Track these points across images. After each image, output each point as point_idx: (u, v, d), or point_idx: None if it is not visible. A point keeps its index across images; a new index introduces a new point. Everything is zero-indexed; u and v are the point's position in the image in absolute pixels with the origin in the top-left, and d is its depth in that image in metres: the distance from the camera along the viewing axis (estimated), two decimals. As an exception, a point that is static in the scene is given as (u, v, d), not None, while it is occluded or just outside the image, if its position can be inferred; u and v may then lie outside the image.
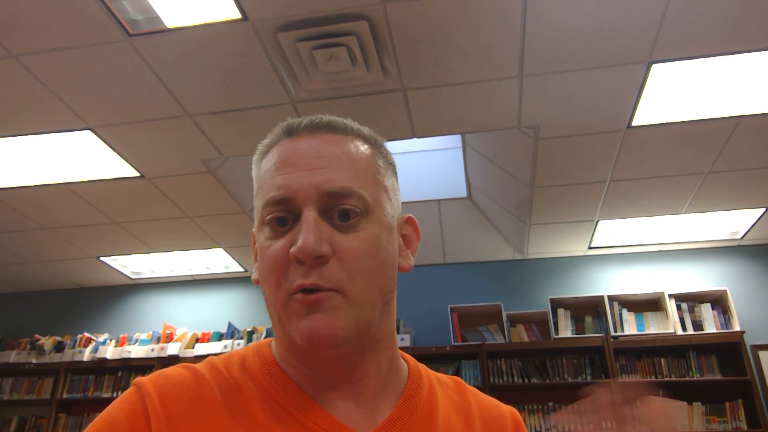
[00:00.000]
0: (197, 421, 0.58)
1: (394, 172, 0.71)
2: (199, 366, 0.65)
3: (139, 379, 0.62)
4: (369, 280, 0.60)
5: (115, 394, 4.57)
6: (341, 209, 0.60)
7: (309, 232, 0.57)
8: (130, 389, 0.62)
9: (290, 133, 0.65)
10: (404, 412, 0.64)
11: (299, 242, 0.57)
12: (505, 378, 4.13)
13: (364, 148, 0.66)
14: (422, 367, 0.73)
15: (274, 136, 0.67)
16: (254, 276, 0.67)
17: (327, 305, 0.57)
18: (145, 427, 0.57)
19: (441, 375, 0.75)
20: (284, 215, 0.60)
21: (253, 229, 0.70)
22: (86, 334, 4.87)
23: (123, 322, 5.17)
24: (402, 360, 0.71)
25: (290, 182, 0.61)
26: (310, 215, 0.59)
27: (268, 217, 0.61)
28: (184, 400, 0.59)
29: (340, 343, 0.58)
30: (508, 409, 0.74)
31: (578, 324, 4.34)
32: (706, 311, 4.18)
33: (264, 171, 0.65)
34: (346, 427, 0.60)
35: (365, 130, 0.68)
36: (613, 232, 4.39)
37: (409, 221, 0.70)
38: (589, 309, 4.39)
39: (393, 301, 0.67)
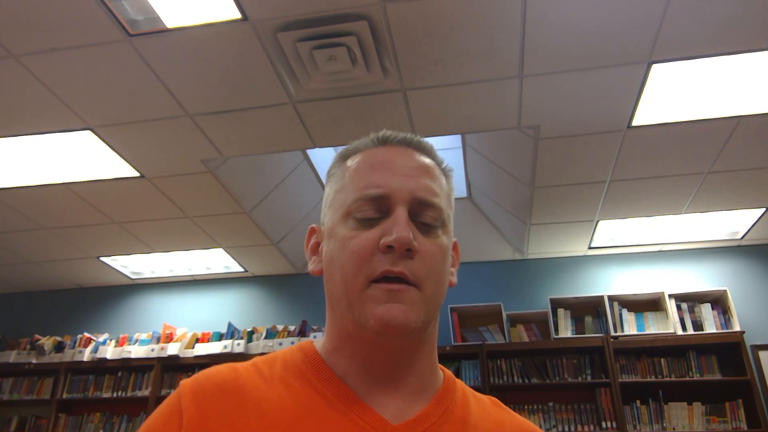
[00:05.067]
0: (233, 416, 0.61)
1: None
2: (240, 364, 0.70)
3: (182, 380, 0.67)
4: (438, 282, 0.67)
5: (115, 394, 4.57)
6: (424, 220, 0.67)
7: (405, 226, 0.63)
8: (173, 391, 0.66)
9: (384, 142, 0.72)
10: (436, 410, 0.67)
11: (395, 233, 0.62)
12: (505, 378, 4.13)
13: (441, 173, 0.74)
14: (459, 381, 0.76)
15: (365, 142, 0.74)
16: (314, 267, 0.72)
17: (406, 297, 0.62)
18: (178, 426, 0.60)
19: (478, 393, 0.78)
20: (376, 215, 0.66)
21: (314, 225, 0.77)
22: (86, 334, 4.87)
23: (123, 322, 5.17)
24: (439, 369, 0.75)
25: (388, 182, 0.67)
26: (403, 212, 0.65)
27: (360, 214, 0.66)
28: (220, 394, 0.63)
29: (409, 332, 0.63)
30: None
31: (578, 324, 4.34)
32: (706, 311, 4.18)
33: (353, 170, 0.71)
34: (380, 416, 0.63)
35: (441, 158, 0.76)
36: (613, 232, 4.39)
37: (456, 245, 0.77)
38: (589, 309, 4.39)
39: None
